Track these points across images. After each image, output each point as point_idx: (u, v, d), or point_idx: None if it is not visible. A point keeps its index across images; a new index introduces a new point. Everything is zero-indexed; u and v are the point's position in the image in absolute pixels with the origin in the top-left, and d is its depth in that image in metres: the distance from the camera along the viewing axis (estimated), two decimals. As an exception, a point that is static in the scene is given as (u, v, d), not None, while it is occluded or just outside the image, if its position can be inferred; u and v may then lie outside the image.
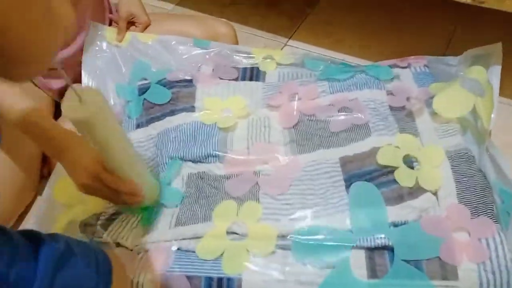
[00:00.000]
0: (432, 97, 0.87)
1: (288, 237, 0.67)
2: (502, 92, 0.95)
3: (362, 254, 0.65)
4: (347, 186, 0.73)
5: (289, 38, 1.19)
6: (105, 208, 0.76)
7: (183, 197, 0.75)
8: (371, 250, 0.66)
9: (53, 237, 0.50)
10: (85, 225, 0.75)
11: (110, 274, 0.54)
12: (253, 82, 0.93)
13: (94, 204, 0.77)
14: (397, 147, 0.77)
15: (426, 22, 1.19)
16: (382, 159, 0.75)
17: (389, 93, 0.90)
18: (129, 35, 0.97)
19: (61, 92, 0.94)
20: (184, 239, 0.69)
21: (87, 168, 0.66)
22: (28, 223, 0.83)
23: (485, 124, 0.79)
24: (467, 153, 0.78)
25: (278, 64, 0.98)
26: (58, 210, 0.79)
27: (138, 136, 0.86)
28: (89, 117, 0.57)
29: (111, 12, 1.01)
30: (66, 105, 0.57)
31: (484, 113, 0.82)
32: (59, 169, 0.83)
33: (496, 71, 0.93)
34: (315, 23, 1.24)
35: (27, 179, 0.83)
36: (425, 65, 0.97)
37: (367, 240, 0.65)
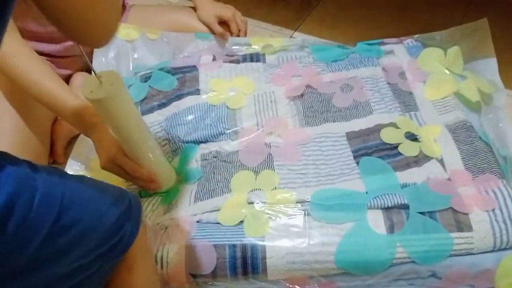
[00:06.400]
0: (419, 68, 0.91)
1: (307, 201, 0.68)
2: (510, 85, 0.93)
3: (379, 213, 0.67)
4: (355, 157, 0.76)
5: (295, 31, 1.17)
6: (127, 188, 0.76)
7: (200, 176, 0.76)
8: (388, 210, 0.68)
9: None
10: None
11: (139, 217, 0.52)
12: (254, 63, 0.94)
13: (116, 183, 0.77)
14: (398, 127, 0.79)
15: (433, 14, 1.17)
16: (386, 137, 0.78)
17: (383, 69, 0.93)
18: (137, 32, 0.98)
19: (67, 80, 0.94)
20: (204, 212, 0.69)
21: (108, 151, 0.67)
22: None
23: (473, 99, 0.84)
24: (465, 124, 0.81)
25: (277, 50, 1.00)
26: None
27: (144, 123, 0.87)
28: (108, 97, 0.58)
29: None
30: (86, 85, 0.58)
31: (469, 93, 0.86)
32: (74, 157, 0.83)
33: (493, 63, 0.91)
34: (321, 15, 1.23)
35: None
36: (416, 39, 1.00)
37: (382, 198, 0.68)
